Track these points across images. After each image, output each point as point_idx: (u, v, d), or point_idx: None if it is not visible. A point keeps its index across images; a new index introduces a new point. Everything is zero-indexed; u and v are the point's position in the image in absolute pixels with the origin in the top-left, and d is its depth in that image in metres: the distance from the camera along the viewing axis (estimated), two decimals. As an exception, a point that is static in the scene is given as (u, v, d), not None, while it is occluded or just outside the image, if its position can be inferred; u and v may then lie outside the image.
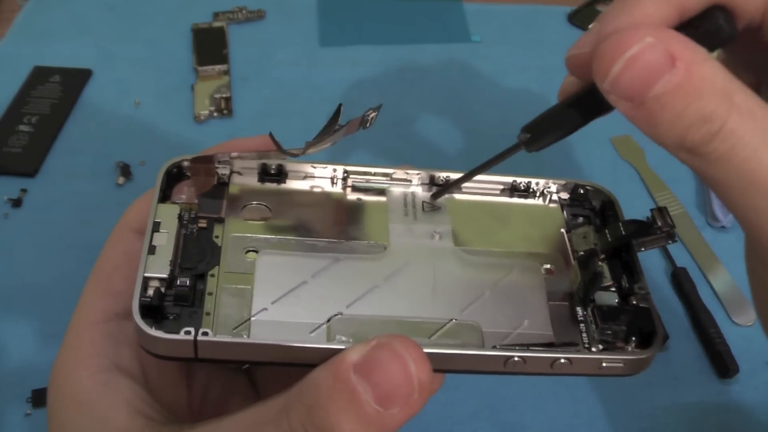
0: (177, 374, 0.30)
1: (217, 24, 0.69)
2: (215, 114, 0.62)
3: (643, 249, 0.29)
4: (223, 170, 0.31)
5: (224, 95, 0.63)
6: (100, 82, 0.64)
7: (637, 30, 0.22)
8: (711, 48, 0.24)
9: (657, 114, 0.22)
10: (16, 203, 0.54)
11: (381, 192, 0.32)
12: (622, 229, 0.29)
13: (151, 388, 0.28)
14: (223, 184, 0.31)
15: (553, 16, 0.73)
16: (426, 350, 0.24)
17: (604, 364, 0.27)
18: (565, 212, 0.33)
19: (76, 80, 0.64)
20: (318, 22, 0.71)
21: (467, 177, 0.31)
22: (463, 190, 0.33)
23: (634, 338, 0.28)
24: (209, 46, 0.67)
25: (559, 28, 0.72)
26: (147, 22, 0.70)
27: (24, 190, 0.55)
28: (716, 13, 0.24)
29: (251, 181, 0.32)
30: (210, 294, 0.27)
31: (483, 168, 0.30)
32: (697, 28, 0.24)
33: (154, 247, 0.27)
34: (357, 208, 0.32)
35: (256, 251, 0.29)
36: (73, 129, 0.60)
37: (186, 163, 0.30)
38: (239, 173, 0.31)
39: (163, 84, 0.64)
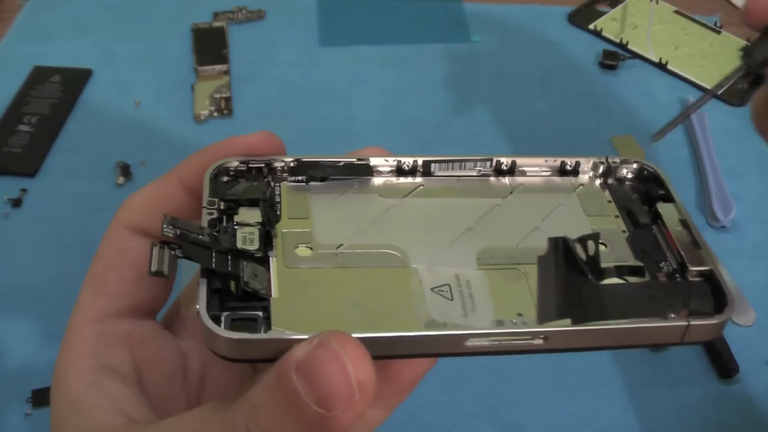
0: (172, 367, 0.30)
1: (217, 24, 0.69)
2: (215, 114, 0.62)
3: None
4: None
5: (224, 95, 0.63)
6: (100, 82, 0.64)
7: None
8: None
9: None
10: (16, 203, 0.54)
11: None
12: None
13: (145, 383, 0.28)
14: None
15: (553, 16, 0.73)
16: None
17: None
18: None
19: (76, 80, 0.64)
20: (318, 22, 0.71)
21: (697, 105, 0.33)
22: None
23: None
24: (209, 46, 0.67)
25: (559, 28, 0.72)
26: (147, 22, 0.70)
27: (24, 190, 0.55)
28: None
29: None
30: None
31: (713, 91, 0.33)
32: None
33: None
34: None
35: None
36: (73, 129, 0.60)
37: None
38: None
39: (163, 84, 0.64)
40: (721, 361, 0.47)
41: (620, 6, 0.75)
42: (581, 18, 0.73)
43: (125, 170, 0.56)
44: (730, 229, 0.55)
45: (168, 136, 0.60)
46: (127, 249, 0.29)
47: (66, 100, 0.62)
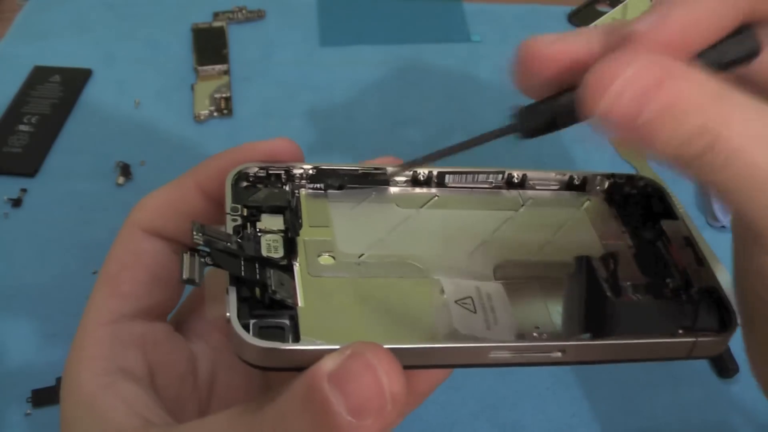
0: (183, 369, 0.30)
1: (217, 24, 0.69)
2: (215, 114, 0.62)
3: None
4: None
5: (224, 95, 0.63)
6: (100, 82, 0.64)
7: (627, 55, 0.22)
8: (733, 66, 0.24)
9: (651, 135, 0.22)
10: (16, 203, 0.54)
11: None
12: None
13: (158, 386, 0.28)
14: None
15: (553, 16, 0.73)
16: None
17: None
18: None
19: (76, 80, 0.64)
20: (318, 22, 0.71)
21: (446, 152, 0.29)
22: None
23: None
24: (209, 46, 0.67)
25: (559, 28, 0.72)
26: (147, 22, 0.70)
27: (24, 190, 0.55)
28: (745, 32, 0.24)
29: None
30: None
31: (466, 145, 0.29)
32: (721, 45, 0.24)
33: None
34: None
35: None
36: (73, 129, 0.60)
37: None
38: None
39: (163, 84, 0.64)
40: (721, 361, 0.47)
41: (620, 6, 0.75)
42: (581, 18, 0.73)
43: (125, 170, 0.56)
44: (730, 229, 0.55)
45: (168, 136, 0.60)
46: (142, 251, 0.29)
47: (66, 100, 0.62)
